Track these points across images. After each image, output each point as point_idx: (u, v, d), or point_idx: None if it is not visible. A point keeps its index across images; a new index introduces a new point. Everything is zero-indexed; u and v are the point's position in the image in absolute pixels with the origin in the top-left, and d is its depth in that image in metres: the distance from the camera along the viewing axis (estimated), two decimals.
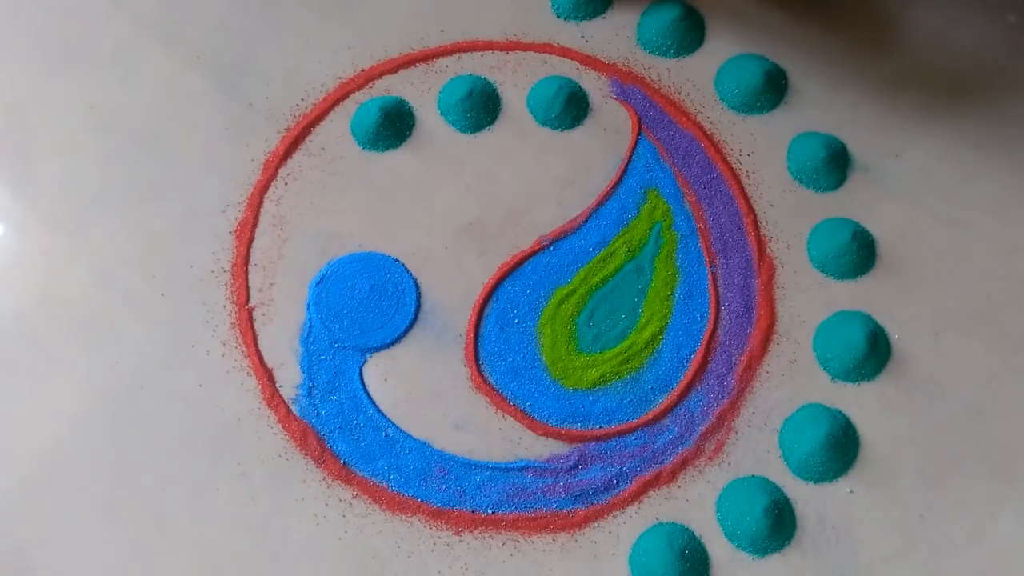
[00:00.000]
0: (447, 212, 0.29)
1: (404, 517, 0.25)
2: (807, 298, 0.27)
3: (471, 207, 0.29)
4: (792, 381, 0.26)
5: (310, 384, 0.26)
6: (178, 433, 0.26)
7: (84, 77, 0.30)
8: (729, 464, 0.25)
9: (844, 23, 0.31)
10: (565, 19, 0.31)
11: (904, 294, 0.27)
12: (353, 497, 0.25)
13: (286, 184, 0.29)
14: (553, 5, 0.31)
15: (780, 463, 0.25)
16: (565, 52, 0.31)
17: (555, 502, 0.25)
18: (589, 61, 0.30)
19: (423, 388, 0.26)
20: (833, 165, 0.28)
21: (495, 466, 0.26)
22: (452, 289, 0.28)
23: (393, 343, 0.27)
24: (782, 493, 0.25)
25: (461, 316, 0.27)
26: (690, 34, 0.31)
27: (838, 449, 0.25)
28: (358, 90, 0.30)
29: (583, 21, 0.31)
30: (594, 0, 0.31)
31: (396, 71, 0.30)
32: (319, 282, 0.28)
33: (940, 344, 0.27)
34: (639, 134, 0.29)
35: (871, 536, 0.25)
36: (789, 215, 0.28)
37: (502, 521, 0.25)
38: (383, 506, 0.25)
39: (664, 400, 0.26)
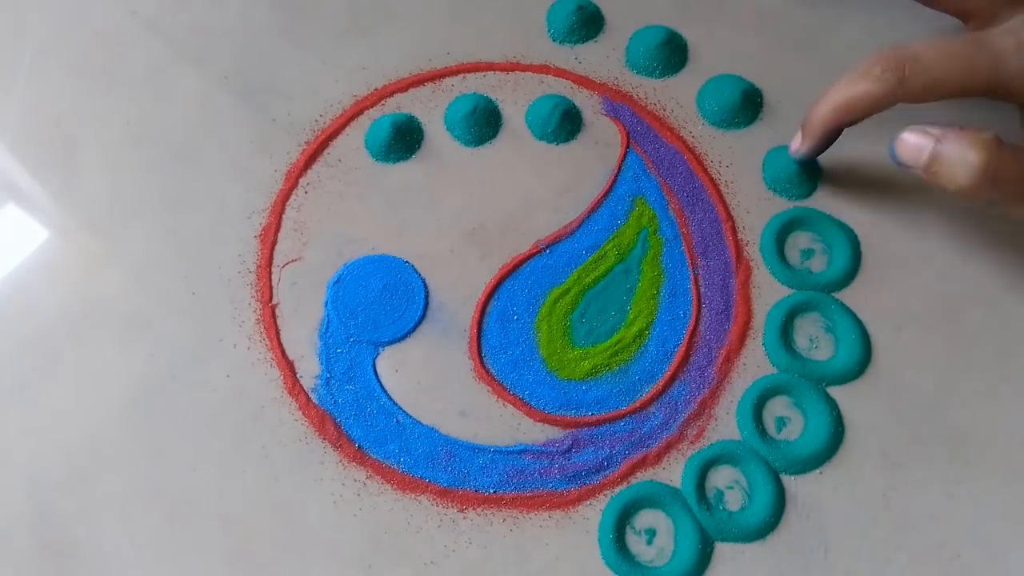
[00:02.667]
0: (452, 218, 0.29)
1: (413, 496, 0.26)
2: (781, 295, 0.28)
3: (474, 214, 0.29)
4: (767, 373, 0.27)
5: (328, 375, 0.27)
6: (208, 419, 0.26)
7: (122, 95, 0.31)
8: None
9: (815, 48, 0.32)
10: (560, 43, 0.32)
11: (869, 292, 0.28)
12: (367, 478, 0.26)
13: (306, 193, 0.30)
14: (549, 30, 0.32)
15: None
16: (560, 73, 0.32)
17: (551, 482, 0.26)
18: (582, 81, 0.31)
19: (431, 379, 0.27)
20: (804, 176, 0.29)
21: (496, 450, 0.26)
22: (457, 289, 0.28)
23: (403, 338, 0.28)
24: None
25: (465, 313, 0.28)
26: (674, 56, 0.31)
27: None
28: (372, 107, 0.31)
29: (576, 45, 0.32)
30: (586, 26, 0.32)
31: (406, 90, 0.31)
32: (336, 282, 0.28)
33: (902, 338, 0.27)
34: (627, 147, 0.30)
35: (839, 513, 0.25)
36: (764, 221, 0.29)
37: (503, 500, 0.26)
38: (394, 486, 0.26)
39: (650, 390, 0.27)
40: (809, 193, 0.30)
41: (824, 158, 0.30)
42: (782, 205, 0.30)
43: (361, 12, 0.33)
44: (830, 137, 0.27)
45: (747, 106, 0.31)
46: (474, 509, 0.26)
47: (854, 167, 0.30)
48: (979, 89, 0.24)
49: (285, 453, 0.26)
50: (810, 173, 0.30)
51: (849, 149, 0.30)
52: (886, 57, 0.24)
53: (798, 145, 0.28)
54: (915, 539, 0.25)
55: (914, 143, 0.23)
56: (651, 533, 0.25)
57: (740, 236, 0.29)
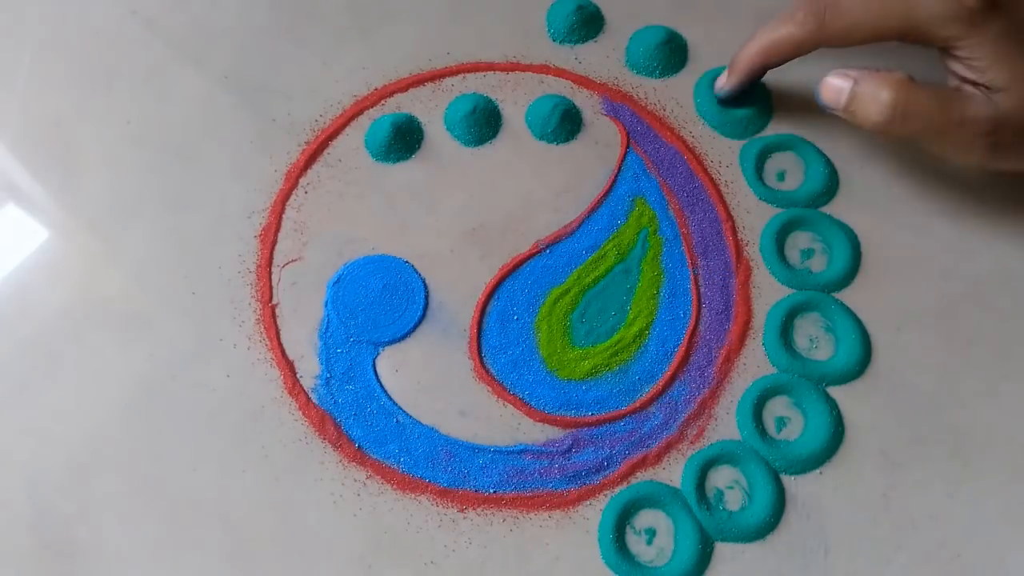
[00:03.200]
0: (452, 218, 0.29)
1: (413, 496, 0.26)
2: (781, 295, 0.28)
3: (474, 214, 0.29)
4: (767, 373, 0.27)
5: (328, 375, 0.27)
6: (208, 419, 0.26)
7: (122, 95, 0.31)
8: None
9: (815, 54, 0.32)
10: (560, 43, 0.32)
11: (869, 292, 0.28)
12: (367, 478, 0.26)
13: (306, 192, 0.30)
14: (549, 30, 0.32)
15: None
16: (560, 73, 0.32)
17: (551, 482, 0.26)
18: (582, 81, 0.32)
19: (431, 378, 0.27)
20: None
21: (496, 450, 0.26)
22: (457, 288, 0.28)
23: (403, 338, 0.28)
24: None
25: (465, 313, 0.28)
26: (674, 56, 0.32)
27: None
28: (372, 107, 0.31)
29: (576, 45, 0.32)
30: (586, 26, 0.32)
31: (406, 90, 0.31)
32: (336, 282, 0.28)
33: (901, 338, 0.28)
34: (627, 147, 0.30)
35: (839, 513, 0.25)
36: (764, 221, 0.29)
37: (503, 500, 0.26)
38: (394, 486, 0.26)
39: (650, 390, 0.27)
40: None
41: (824, 155, 0.30)
42: (781, 205, 0.30)
43: (361, 12, 0.33)
44: (754, 76, 0.29)
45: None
46: (474, 509, 0.26)
47: (850, 170, 0.30)
48: (893, 32, 0.25)
49: (285, 453, 0.26)
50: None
51: (851, 149, 0.30)
52: (808, 2, 0.26)
53: (723, 82, 0.29)
54: (915, 539, 0.25)
55: (834, 85, 0.26)
56: (651, 533, 0.25)
57: (740, 236, 0.29)
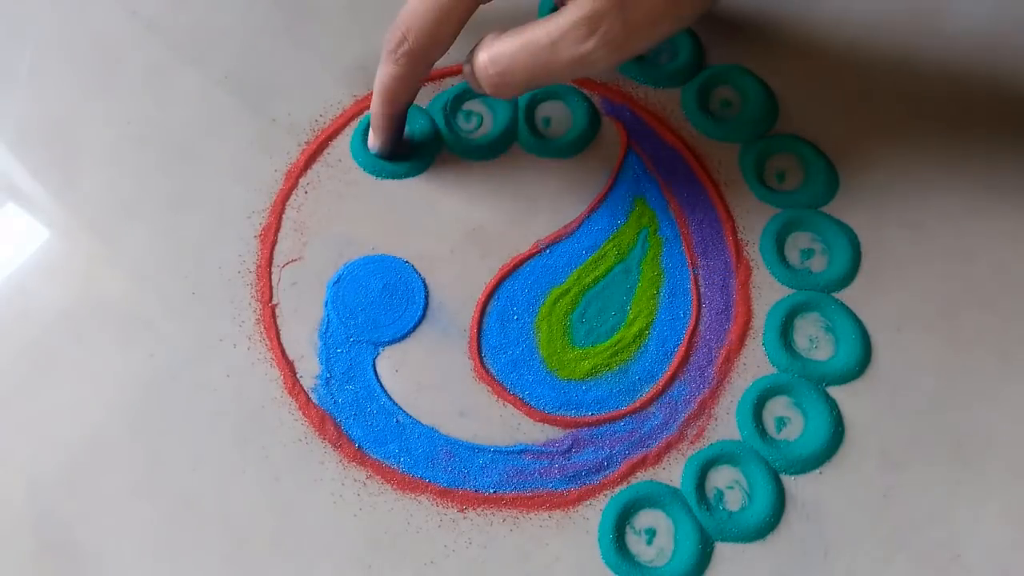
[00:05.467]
0: (452, 219, 0.29)
1: (413, 496, 0.26)
2: (781, 295, 0.28)
3: (474, 214, 0.29)
4: (767, 373, 0.27)
5: (328, 375, 0.27)
6: (208, 419, 0.26)
7: (122, 96, 0.31)
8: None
9: (817, 48, 0.32)
10: None
11: (869, 292, 0.28)
12: (367, 478, 0.26)
13: (306, 193, 0.30)
14: None
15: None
16: None
17: (551, 482, 0.26)
18: (582, 81, 0.31)
19: (431, 379, 0.27)
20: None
21: (496, 450, 0.26)
22: (457, 289, 0.28)
23: (403, 338, 0.28)
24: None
25: (465, 313, 0.28)
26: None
27: None
28: None
29: None
30: None
31: None
32: (336, 282, 0.28)
33: (902, 339, 0.28)
34: (628, 148, 0.30)
35: (839, 513, 0.25)
36: (764, 221, 0.29)
37: (503, 500, 0.26)
38: (394, 486, 0.26)
39: (650, 390, 0.27)
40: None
41: (824, 155, 0.30)
42: (781, 205, 0.30)
43: (361, 12, 0.33)
44: (399, 123, 0.28)
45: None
46: (474, 509, 0.26)
47: (852, 172, 0.30)
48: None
49: (285, 453, 0.26)
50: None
51: (851, 149, 0.30)
52: (393, 33, 0.25)
53: (372, 141, 0.29)
54: (915, 539, 0.25)
55: (464, 69, 0.26)
56: (651, 533, 0.25)
57: (740, 236, 0.29)
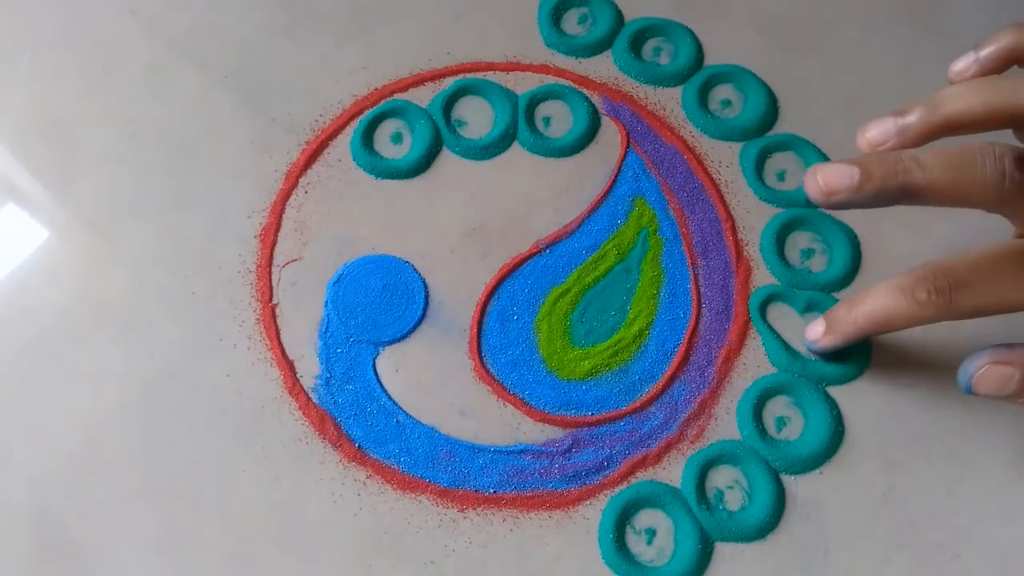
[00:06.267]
0: (452, 219, 0.29)
1: (413, 496, 0.26)
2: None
3: (474, 214, 0.29)
4: (767, 372, 0.27)
5: (328, 375, 0.27)
6: (207, 419, 0.26)
7: (122, 95, 0.31)
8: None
9: (818, 47, 0.32)
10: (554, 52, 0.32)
11: None
12: (367, 478, 0.26)
13: (306, 192, 0.30)
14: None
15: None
16: (560, 73, 0.32)
17: (551, 482, 0.26)
18: (582, 81, 0.31)
19: (431, 378, 0.27)
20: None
21: (496, 450, 0.26)
22: (457, 288, 0.28)
23: (403, 337, 0.28)
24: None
25: (465, 313, 0.28)
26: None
27: None
28: (372, 107, 0.31)
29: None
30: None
31: (406, 89, 0.31)
32: (336, 282, 0.28)
33: (902, 338, 0.27)
34: (627, 147, 0.30)
35: (839, 513, 0.25)
36: (764, 221, 0.29)
37: (503, 500, 0.26)
38: (394, 486, 0.26)
39: (650, 390, 0.27)
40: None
41: (824, 156, 0.30)
42: (781, 205, 0.30)
43: (361, 12, 0.33)
44: (856, 341, 0.25)
45: None
46: (474, 509, 0.26)
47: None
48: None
49: (285, 453, 0.26)
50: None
51: (851, 149, 0.31)
52: (933, 279, 0.22)
53: (817, 336, 0.26)
54: (915, 539, 0.25)
55: (998, 375, 0.22)
56: (651, 533, 0.25)
57: (740, 236, 0.29)
